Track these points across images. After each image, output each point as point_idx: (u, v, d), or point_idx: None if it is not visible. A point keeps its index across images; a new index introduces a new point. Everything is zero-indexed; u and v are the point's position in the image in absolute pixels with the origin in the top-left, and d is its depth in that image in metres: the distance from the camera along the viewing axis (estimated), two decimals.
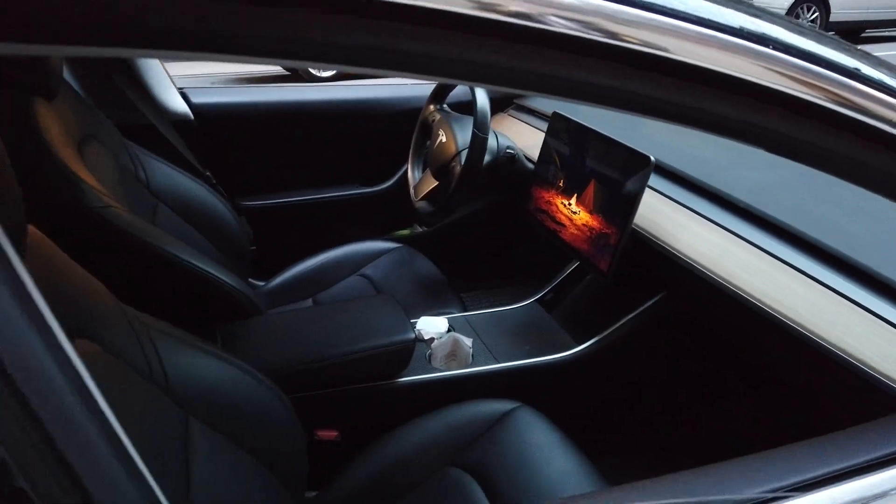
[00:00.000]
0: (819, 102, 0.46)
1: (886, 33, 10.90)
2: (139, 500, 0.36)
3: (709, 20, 0.43)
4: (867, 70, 0.50)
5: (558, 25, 0.37)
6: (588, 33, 0.38)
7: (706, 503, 0.47)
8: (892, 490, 0.51)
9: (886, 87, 0.49)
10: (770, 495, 0.48)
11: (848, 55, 0.50)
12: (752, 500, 0.47)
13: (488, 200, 1.69)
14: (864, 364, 0.77)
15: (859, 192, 0.55)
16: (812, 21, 9.46)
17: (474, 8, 0.35)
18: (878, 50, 9.03)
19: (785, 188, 1.12)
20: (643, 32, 0.40)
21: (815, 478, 0.50)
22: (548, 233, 1.28)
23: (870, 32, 10.88)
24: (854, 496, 0.50)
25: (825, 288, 0.89)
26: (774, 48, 0.44)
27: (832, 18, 9.54)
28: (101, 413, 0.35)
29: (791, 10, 9.25)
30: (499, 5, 0.35)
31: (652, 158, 1.04)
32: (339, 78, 7.34)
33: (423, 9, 0.34)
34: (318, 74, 7.52)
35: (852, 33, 10.63)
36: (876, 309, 0.83)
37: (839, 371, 0.79)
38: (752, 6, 0.49)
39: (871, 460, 0.52)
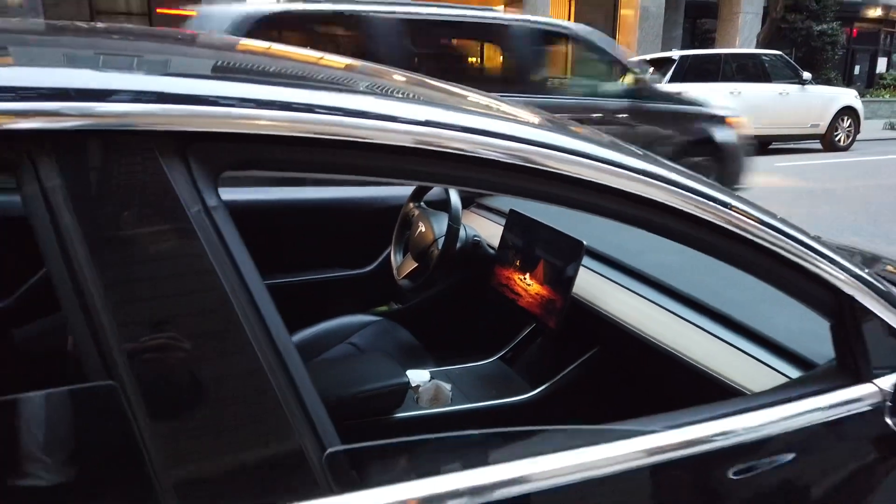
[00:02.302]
0: (703, 217, 0.84)
1: (790, 146, 12.15)
2: None
3: (618, 162, 0.80)
4: (735, 202, 0.88)
5: (487, 154, 0.74)
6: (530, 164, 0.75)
7: (614, 430, 0.80)
8: (733, 431, 0.85)
9: (749, 214, 0.87)
10: (659, 429, 0.81)
11: (723, 193, 0.88)
12: (642, 430, 0.80)
13: (454, 281, 2.03)
14: (734, 383, 1.13)
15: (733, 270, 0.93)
16: None
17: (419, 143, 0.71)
18: (783, 161, 10.11)
19: (683, 267, 1.51)
20: (581, 169, 0.77)
21: (687, 422, 0.84)
22: (508, 302, 1.63)
23: (776, 145, 12.09)
24: (708, 432, 0.84)
25: (711, 335, 1.26)
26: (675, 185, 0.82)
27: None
28: None
29: None
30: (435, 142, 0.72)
31: (584, 242, 1.42)
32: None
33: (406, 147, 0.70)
34: None
35: (761, 145, 11.82)
36: (743, 347, 1.20)
37: (714, 385, 1.14)
38: (656, 159, 0.88)
39: (720, 414, 0.87)
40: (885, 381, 0.95)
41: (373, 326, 1.91)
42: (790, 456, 0.90)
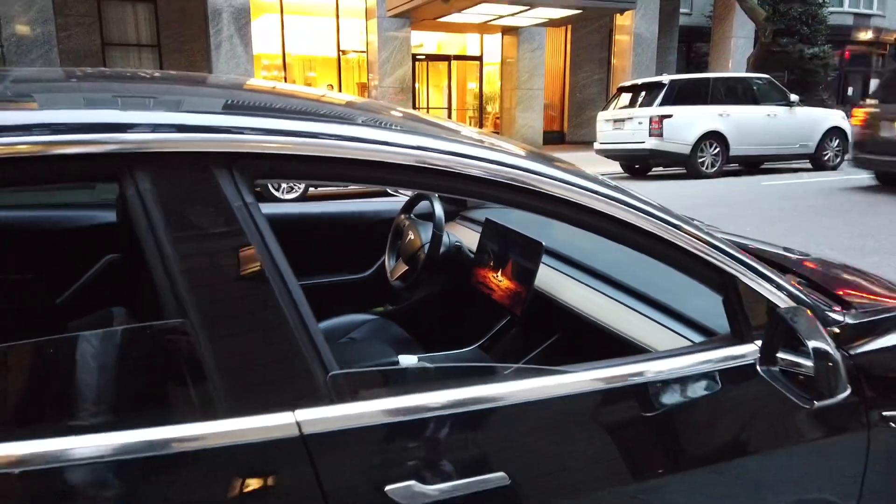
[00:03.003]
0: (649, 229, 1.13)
1: (783, 166, 12.43)
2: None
3: (579, 183, 1.09)
4: (649, 209, 1.16)
5: (469, 171, 1.03)
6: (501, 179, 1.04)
7: (547, 370, 1.07)
8: (640, 373, 1.13)
9: (658, 216, 1.16)
10: (578, 370, 1.09)
11: (637, 200, 1.16)
12: (566, 370, 1.08)
13: (440, 285, 2.31)
14: (652, 348, 1.40)
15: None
16: (715, 154, 10.86)
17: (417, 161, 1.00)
18: (777, 179, 10.38)
19: (623, 262, 1.79)
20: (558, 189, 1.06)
21: (598, 366, 1.12)
22: (485, 297, 1.91)
23: (768, 165, 12.36)
24: (619, 373, 1.11)
25: (644, 316, 1.53)
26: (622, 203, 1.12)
27: (731, 153, 10.95)
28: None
29: (697, 145, 10.66)
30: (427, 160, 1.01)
31: (543, 243, 1.70)
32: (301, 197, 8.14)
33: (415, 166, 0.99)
34: (281, 196, 8.34)
35: (752, 165, 12.08)
36: (668, 325, 1.47)
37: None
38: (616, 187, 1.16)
39: (628, 361, 1.14)
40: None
41: (370, 324, 2.18)
42: (690, 394, 1.17)
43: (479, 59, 17.68)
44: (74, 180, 0.86)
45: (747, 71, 14.13)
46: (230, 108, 1.12)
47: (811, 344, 1.08)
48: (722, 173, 10.81)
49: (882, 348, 1.34)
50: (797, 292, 1.26)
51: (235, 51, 13.34)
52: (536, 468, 1.03)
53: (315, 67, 16.51)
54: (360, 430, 0.93)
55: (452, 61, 17.51)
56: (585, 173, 1.20)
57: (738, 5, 16.03)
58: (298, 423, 0.90)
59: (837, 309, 1.40)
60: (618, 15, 15.48)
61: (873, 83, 26.07)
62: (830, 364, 1.09)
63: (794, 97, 11.52)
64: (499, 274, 1.86)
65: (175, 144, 0.88)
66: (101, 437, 0.81)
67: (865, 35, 25.50)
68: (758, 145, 11.13)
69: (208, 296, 0.88)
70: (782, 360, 1.17)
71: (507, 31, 16.39)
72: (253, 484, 0.88)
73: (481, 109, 18.27)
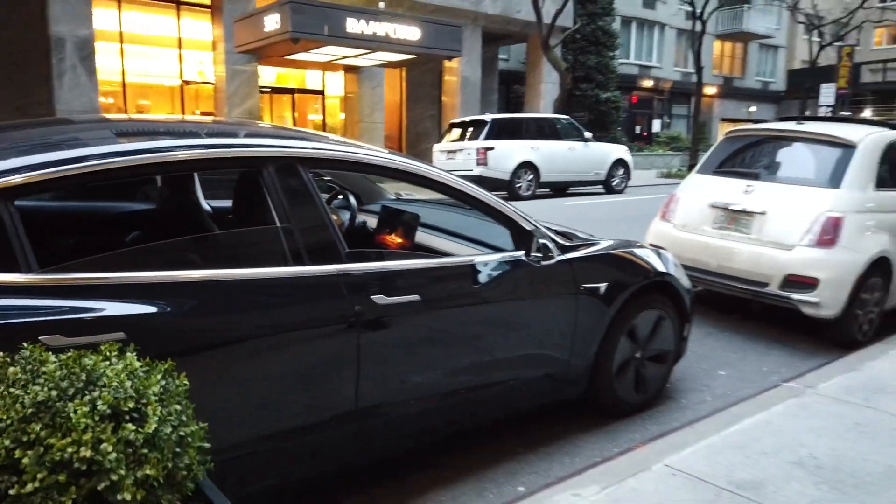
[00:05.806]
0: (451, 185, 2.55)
1: (584, 190, 14.92)
2: None
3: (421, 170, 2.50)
4: (472, 185, 2.60)
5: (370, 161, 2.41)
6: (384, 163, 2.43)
7: (440, 255, 2.45)
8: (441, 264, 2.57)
9: (476, 189, 2.59)
10: (444, 258, 2.49)
11: (464, 182, 2.59)
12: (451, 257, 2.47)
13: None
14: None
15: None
16: (529, 180, 13.01)
17: (353, 156, 2.38)
18: (577, 200, 12.65)
19: (461, 228, 3.22)
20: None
21: (454, 257, 2.53)
22: (386, 249, 3.25)
23: (573, 189, 14.79)
24: (450, 261, 2.55)
25: (475, 250, 2.98)
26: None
27: (542, 179, 13.18)
28: None
29: (514, 173, 12.74)
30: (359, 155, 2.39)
31: (420, 215, 3.09)
32: None
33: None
34: None
35: (560, 189, 14.43)
36: (485, 251, 2.92)
37: None
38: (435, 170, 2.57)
39: (469, 254, 2.58)
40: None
41: None
42: (495, 271, 2.61)
43: (322, 93, 18.92)
44: (235, 168, 2.11)
45: (554, 112, 16.72)
46: (295, 138, 2.39)
47: (540, 241, 2.59)
48: (535, 196, 13.01)
49: (579, 256, 2.90)
50: (542, 228, 2.77)
51: (80, 80, 13.43)
52: (433, 294, 2.41)
53: (157, 96, 16.72)
54: (361, 274, 2.25)
55: (296, 94, 18.58)
56: (434, 166, 2.62)
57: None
58: (338, 269, 2.20)
59: (564, 240, 2.94)
60: (446, 60, 17.57)
61: (656, 123, 30.96)
62: (549, 252, 2.60)
63: (588, 134, 14.11)
64: (393, 235, 3.22)
65: (280, 153, 2.17)
66: (264, 271, 2.07)
67: (648, 83, 30.39)
68: (562, 173, 13.51)
69: (295, 215, 2.16)
70: (534, 255, 2.66)
71: (348, 69, 17.85)
72: (323, 292, 2.16)
73: None
